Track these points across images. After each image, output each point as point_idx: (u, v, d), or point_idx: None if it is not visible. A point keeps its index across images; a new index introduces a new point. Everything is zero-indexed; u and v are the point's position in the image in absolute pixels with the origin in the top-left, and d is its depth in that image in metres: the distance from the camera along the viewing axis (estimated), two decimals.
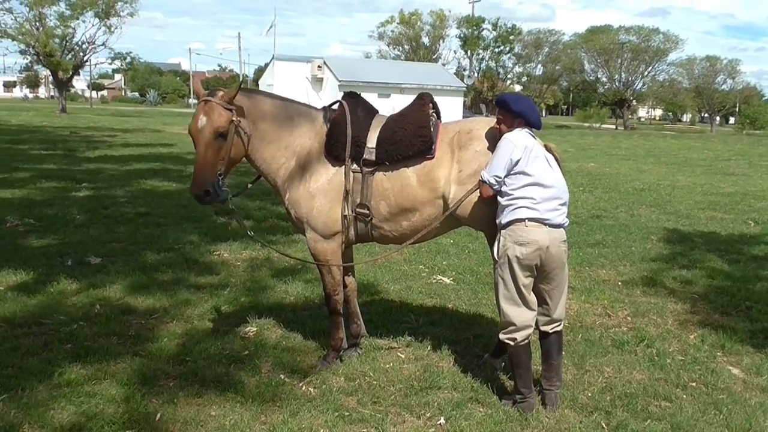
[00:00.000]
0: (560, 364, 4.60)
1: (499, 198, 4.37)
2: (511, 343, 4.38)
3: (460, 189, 4.60)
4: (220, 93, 4.55)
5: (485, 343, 5.54)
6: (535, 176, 4.27)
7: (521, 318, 4.33)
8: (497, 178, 4.32)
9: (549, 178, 4.32)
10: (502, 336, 4.43)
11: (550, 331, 4.49)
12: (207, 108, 4.51)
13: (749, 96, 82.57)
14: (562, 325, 4.55)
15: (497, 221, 4.39)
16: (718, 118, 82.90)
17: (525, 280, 4.30)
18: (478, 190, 4.51)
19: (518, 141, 4.31)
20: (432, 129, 4.68)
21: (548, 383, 4.53)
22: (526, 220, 4.23)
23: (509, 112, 4.44)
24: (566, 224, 4.38)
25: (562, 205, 4.35)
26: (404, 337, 5.60)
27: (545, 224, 4.24)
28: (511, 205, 4.28)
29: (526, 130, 4.44)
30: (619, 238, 10.03)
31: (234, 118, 4.53)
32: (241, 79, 78.72)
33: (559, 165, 4.63)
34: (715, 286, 7.50)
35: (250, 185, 5.40)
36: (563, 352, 4.70)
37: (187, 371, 4.84)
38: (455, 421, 4.26)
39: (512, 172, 4.28)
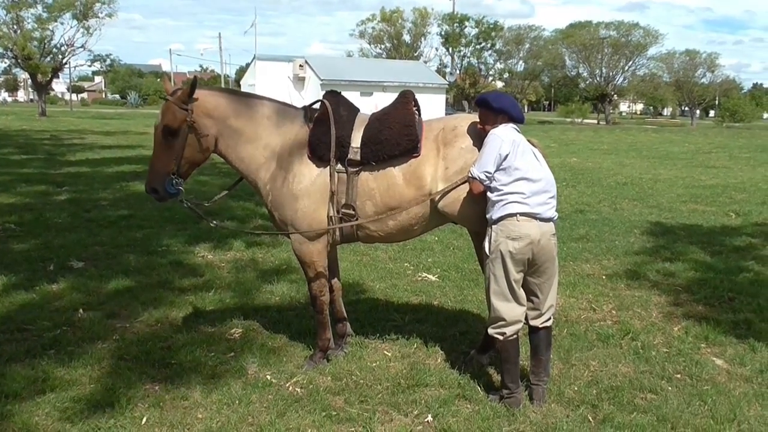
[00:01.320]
0: (548, 360, 4.61)
1: (488, 193, 4.37)
2: (501, 338, 4.37)
3: (447, 186, 4.59)
4: (179, 92, 4.59)
5: (472, 340, 5.55)
6: (523, 170, 4.27)
7: (511, 313, 4.34)
8: (487, 174, 4.32)
9: (537, 171, 4.33)
10: (491, 331, 4.42)
11: (540, 326, 4.49)
12: (164, 107, 4.63)
13: (728, 89, 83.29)
14: (552, 321, 4.56)
15: (488, 216, 4.38)
16: (698, 112, 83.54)
17: (516, 275, 4.30)
18: (465, 187, 4.51)
19: (505, 136, 4.32)
20: (417, 127, 4.66)
21: (536, 378, 4.53)
22: (518, 215, 4.22)
23: (491, 109, 4.44)
24: (555, 218, 4.40)
25: (551, 198, 4.36)
26: (390, 335, 5.59)
27: (536, 218, 4.25)
28: (501, 200, 4.27)
29: (511, 125, 4.45)
30: (603, 232, 10.08)
31: (188, 118, 4.55)
32: (223, 79, 78.66)
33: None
34: (697, 278, 7.56)
35: (224, 192, 5.34)
36: (551, 348, 4.71)
37: (173, 374, 4.81)
38: (443, 418, 4.27)
39: (501, 166, 4.29)
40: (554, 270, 4.46)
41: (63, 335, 5.48)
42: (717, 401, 4.55)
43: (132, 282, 6.96)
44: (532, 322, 4.50)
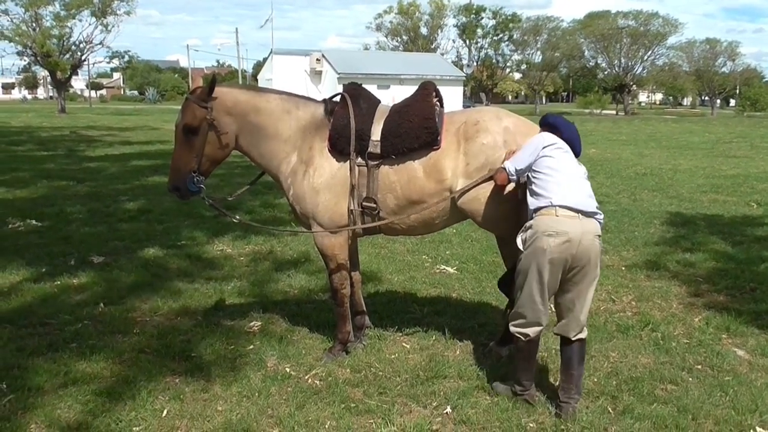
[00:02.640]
0: (581, 375, 4.25)
1: (528, 185, 4.18)
2: (523, 338, 4.18)
3: (468, 182, 4.54)
4: (198, 90, 4.64)
5: (490, 332, 5.54)
6: (563, 165, 4.10)
7: (536, 315, 4.09)
8: (517, 169, 4.23)
9: (577, 171, 4.18)
10: (513, 329, 4.22)
11: (573, 339, 4.15)
12: (184, 105, 4.69)
13: (749, 78, 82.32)
14: (585, 333, 4.21)
15: (529, 209, 4.10)
16: (718, 101, 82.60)
17: (549, 276, 3.96)
18: (487, 185, 4.45)
19: (548, 138, 4.24)
20: (437, 119, 4.62)
21: (566, 395, 4.19)
22: (558, 207, 3.93)
23: (557, 133, 4.33)
24: (600, 217, 4.10)
25: (590, 197, 4.13)
26: (409, 327, 5.59)
27: (578, 213, 3.95)
28: (539, 189, 4.05)
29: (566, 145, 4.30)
30: (622, 223, 10.02)
31: (208, 116, 4.59)
32: (240, 74, 78.95)
33: None
34: (718, 269, 7.49)
35: (247, 188, 5.42)
36: (584, 363, 4.33)
37: (193, 367, 4.84)
38: (462, 410, 4.26)
39: (540, 156, 4.13)
40: (595, 276, 4.08)
41: (84, 329, 5.54)
42: (738, 392, 4.51)
43: (152, 276, 7.01)
44: (565, 334, 4.17)
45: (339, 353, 5.05)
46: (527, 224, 4.09)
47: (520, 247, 4.10)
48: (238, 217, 5.29)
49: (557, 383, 4.42)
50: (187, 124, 4.63)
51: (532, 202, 4.08)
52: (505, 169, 4.29)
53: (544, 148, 4.17)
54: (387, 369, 4.85)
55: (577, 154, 4.34)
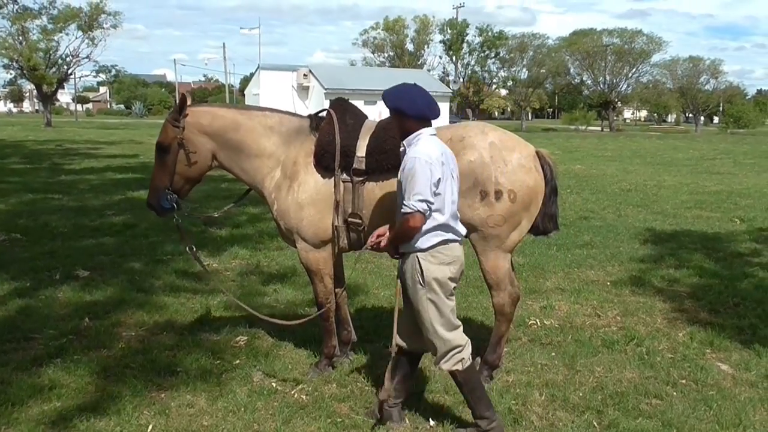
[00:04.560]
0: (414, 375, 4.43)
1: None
2: (461, 367, 4.02)
3: (462, 203, 4.46)
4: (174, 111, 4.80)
5: (475, 347, 5.52)
6: (446, 191, 3.87)
7: (462, 337, 4.06)
8: (429, 204, 3.78)
9: (454, 190, 3.96)
10: (447, 366, 4.04)
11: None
12: (162, 125, 4.82)
13: (732, 95, 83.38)
14: None
15: (414, 244, 3.90)
16: (702, 118, 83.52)
17: (453, 299, 4.05)
18: (476, 204, 4.49)
19: (432, 156, 3.80)
20: None
21: (396, 398, 4.28)
22: (449, 241, 3.95)
23: (410, 118, 3.92)
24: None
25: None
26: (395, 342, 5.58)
27: (459, 241, 4.05)
28: (432, 225, 3.86)
29: (428, 132, 3.93)
30: (607, 239, 10.08)
31: (178, 135, 4.72)
32: (227, 89, 78.96)
33: (552, 172, 4.65)
34: (702, 284, 7.55)
35: (232, 205, 5.55)
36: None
37: (178, 382, 4.82)
38: (446, 425, 4.26)
39: (436, 192, 3.82)
40: None
41: (69, 344, 5.50)
42: (722, 406, 4.55)
43: (137, 290, 6.98)
44: (421, 350, 4.30)
45: (325, 368, 5.05)
46: (417, 260, 3.92)
47: (421, 283, 3.92)
48: (191, 246, 5.33)
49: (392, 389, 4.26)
50: (159, 142, 4.80)
51: (427, 239, 3.88)
52: (418, 211, 3.77)
53: (439, 180, 3.80)
54: (373, 384, 4.85)
55: (434, 117, 3.94)
